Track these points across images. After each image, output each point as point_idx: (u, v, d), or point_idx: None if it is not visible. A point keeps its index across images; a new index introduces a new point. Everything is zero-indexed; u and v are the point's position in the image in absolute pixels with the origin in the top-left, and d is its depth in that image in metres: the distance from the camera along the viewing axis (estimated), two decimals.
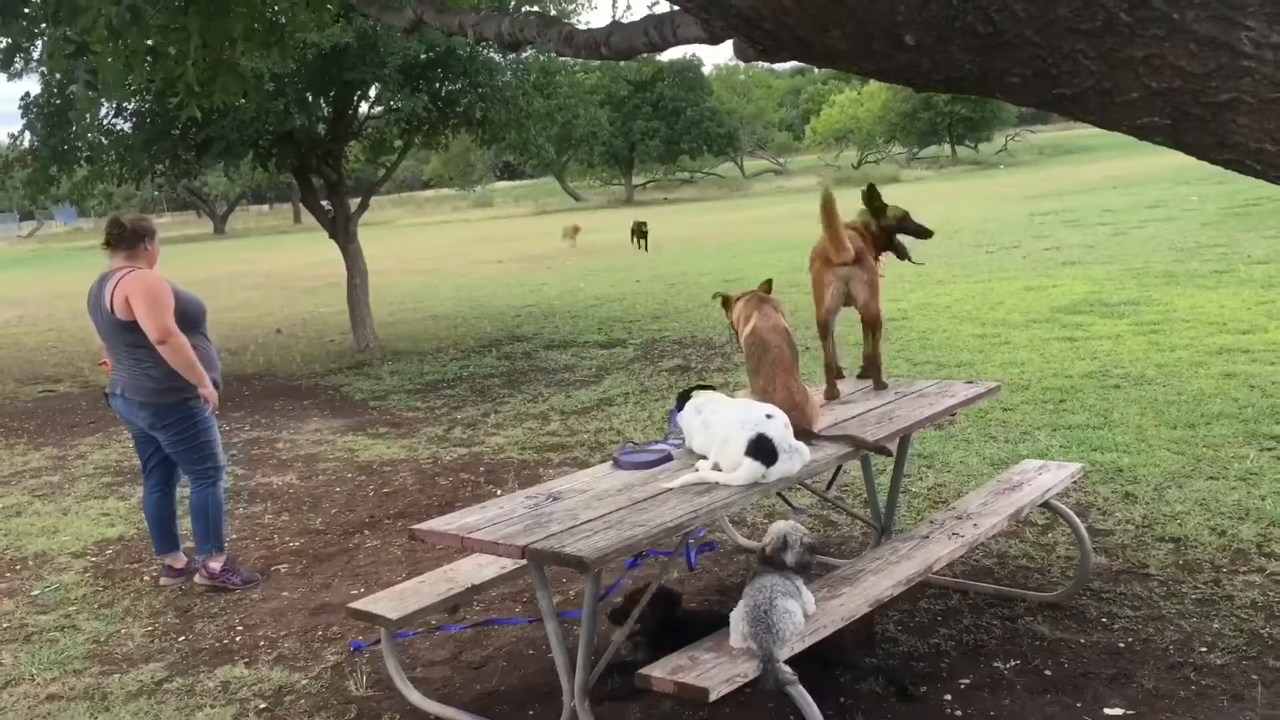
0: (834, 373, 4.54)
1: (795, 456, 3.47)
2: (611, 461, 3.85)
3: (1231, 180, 16.55)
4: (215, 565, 5.40)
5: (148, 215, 5.57)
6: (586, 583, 3.28)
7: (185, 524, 5.70)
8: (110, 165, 11.34)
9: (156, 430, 5.28)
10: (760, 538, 3.53)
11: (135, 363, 5.17)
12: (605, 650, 3.52)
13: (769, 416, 3.47)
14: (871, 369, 4.61)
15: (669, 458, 3.76)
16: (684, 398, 3.88)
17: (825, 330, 4.43)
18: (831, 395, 4.46)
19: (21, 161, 11.36)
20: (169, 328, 5.06)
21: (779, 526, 3.44)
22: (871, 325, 4.47)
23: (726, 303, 4.38)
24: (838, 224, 4.23)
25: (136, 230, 5.29)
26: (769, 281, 4.20)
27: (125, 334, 5.14)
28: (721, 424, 3.54)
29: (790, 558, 3.35)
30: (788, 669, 3.06)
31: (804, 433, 3.69)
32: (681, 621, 3.76)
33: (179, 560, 5.55)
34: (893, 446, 4.36)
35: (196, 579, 5.43)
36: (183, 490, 5.67)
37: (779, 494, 4.54)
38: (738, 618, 3.20)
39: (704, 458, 3.60)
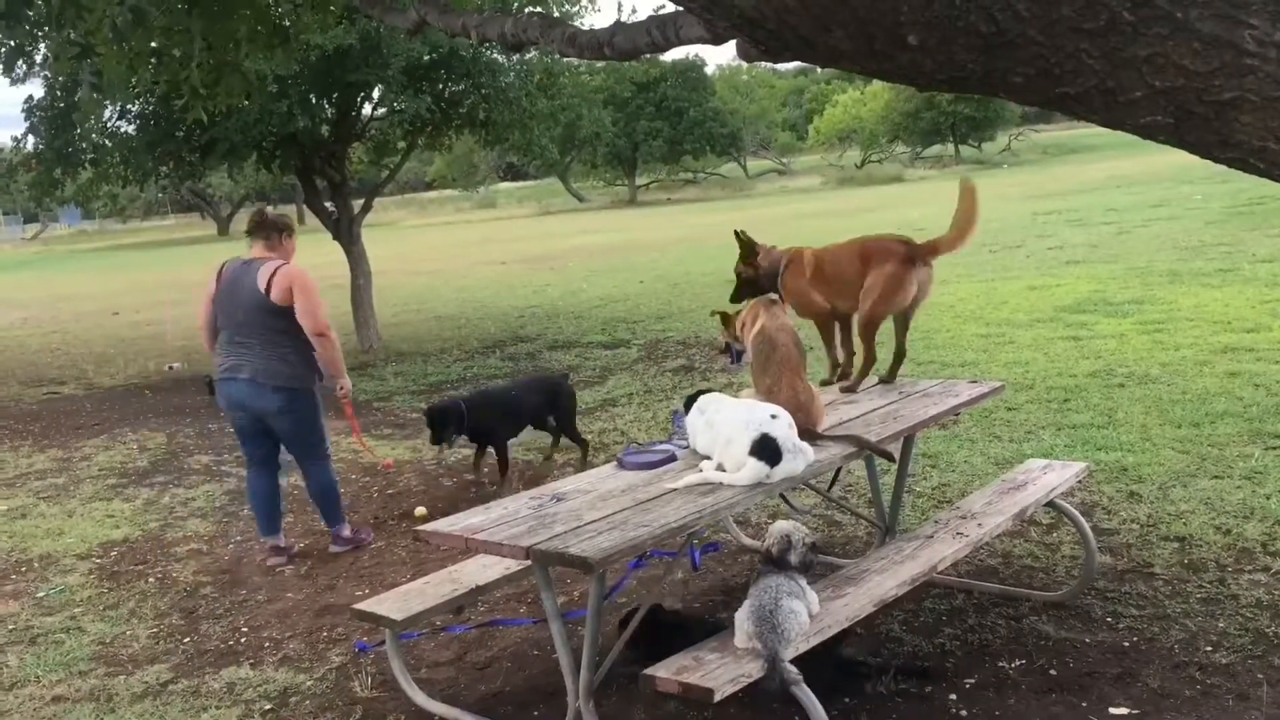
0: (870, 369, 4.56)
1: (799, 457, 3.47)
2: (615, 462, 3.86)
3: (1235, 179, 16.54)
4: (347, 532, 5.83)
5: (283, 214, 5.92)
6: (591, 583, 3.28)
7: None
8: (115, 167, 11.36)
9: (282, 414, 5.47)
10: (764, 538, 3.52)
11: (274, 347, 5.39)
12: (610, 650, 3.53)
13: (773, 417, 3.47)
14: (899, 364, 4.64)
15: (673, 458, 3.77)
16: (691, 401, 3.87)
17: (877, 328, 4.43)
18: (853, 390, 4.49)
19: (26, 165, 11.38)
20: (328, 323, 5.43)
21: (781, 526, 3.44)
22: (908, 323, 4.51)
23: (726, 320, 4.40)
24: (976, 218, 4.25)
25: (275, 223, 5.56)
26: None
27: (275, 319, 5.36)
28: (725, 424, 3.54)
29: (794, 557, 3.35)
30: (793, 668, 3.06)
31: (808, 433, 3.69)
32: (675, 631, 3.78)
33: (283, 540, 5.79)
34: (897, 446, 4.36)
35: (333, 548, 5.78)
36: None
37: (781, 495, 4.55)
38: (742, 618, 3.19)
39: (708, 458, 3.60)
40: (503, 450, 6.69)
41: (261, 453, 5.68)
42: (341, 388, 5.71)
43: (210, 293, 5.59)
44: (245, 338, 5.43)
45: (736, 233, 4.59)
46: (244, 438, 5.73)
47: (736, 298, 4.63)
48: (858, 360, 4.62)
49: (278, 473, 5.79)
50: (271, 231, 5.54)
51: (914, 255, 4.32)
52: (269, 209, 5.78)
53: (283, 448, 5.71)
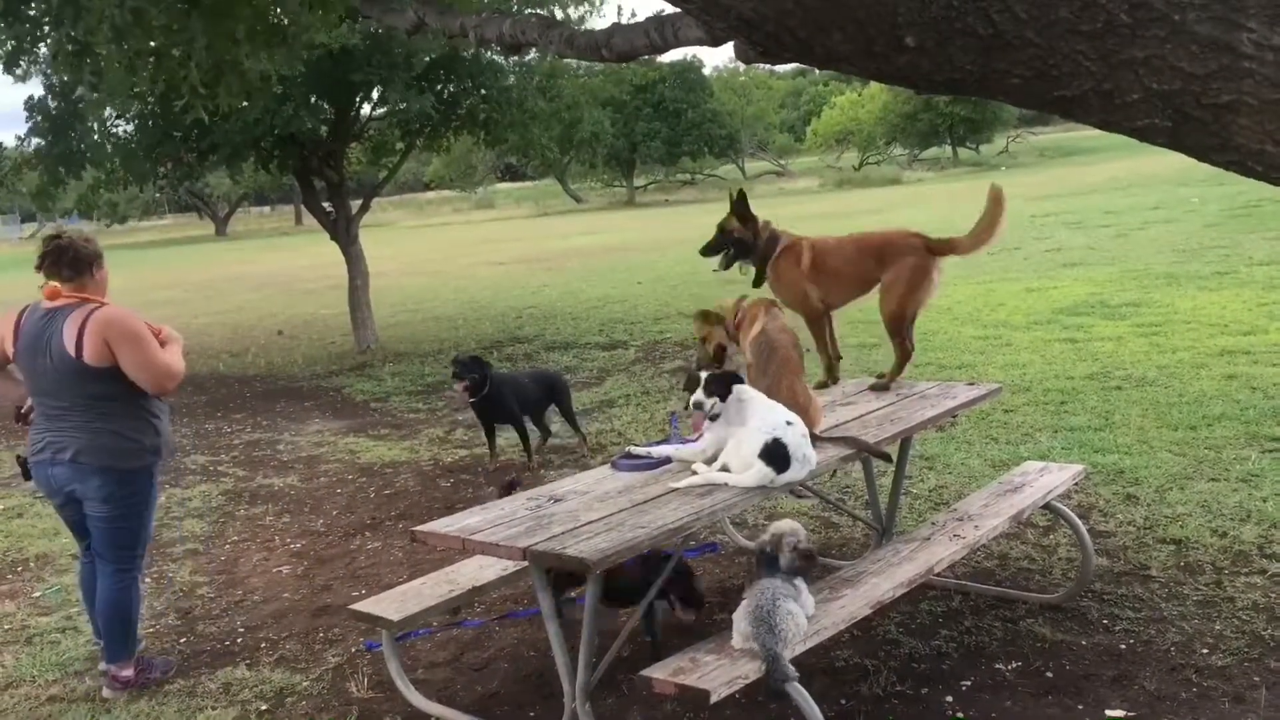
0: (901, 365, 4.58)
1: (805, 466, 3.48)
2: (610, 465, 3.85)
3: (1233, 182, 16.54)
4: (128, 672, 4.35)
5: (84, 232, 4.48)
6: (589, 584, 3.28)
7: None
8: (114, 170, 11.35)
9: (103, 501, 4.20)
10: (758, 536, 3.50)
11: (100, 419, 4.14)
12: (607, 651, 3.53)
13: (789, 423, 3.48)
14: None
15: (668, 460, 3.75)
16: (710, 380, 3.77)
17: (905, 322, 4.43)
18: (885, 388, 4.54)
19: (28, 164, 11.37)
20: (174, 368, 4.20)
21: (779, 526, 3.42)
22: (913, 321, 4.53)
23: (707, 317, 4.29)
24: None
25: (78, 253, 4.22)
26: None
27: (94, 384, 4.10)
28: (744, 421, 3.53)
29: (783, 560, 3.32)
30: (791, 668, 3.06)
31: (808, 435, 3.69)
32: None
33: (129, 670, 4.36)
34: (894, 448, 4.36)
35: (105, 690, 4.31)
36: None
37: (791, 494, 4.55)
38: (739, 619, 3.19)
39: (710, 460, 3.59)
40: (521, 427, 7.14)
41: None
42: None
43: (5, 350, 4.27)
44: (62, 409, 4.16)
45: (739, 191, 4.53)
46: (76, 529, 4.41)
47: (709, 252, 4.54)
48: (840, 361, 4.65)
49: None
50: (81, 266, 4.20)
51: (934, 250, 4.33)
52: (68, 230, 4.38)
53: None
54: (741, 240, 4.49)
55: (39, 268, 4.25)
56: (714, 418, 3.59)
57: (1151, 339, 8.91)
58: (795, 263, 4.42)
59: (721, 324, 4.22)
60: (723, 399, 3.57)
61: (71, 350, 4.06)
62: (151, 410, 4.27)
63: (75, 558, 6.01)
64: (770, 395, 3.78)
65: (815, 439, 3.75)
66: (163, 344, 4.26)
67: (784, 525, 3.43)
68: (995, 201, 4.25)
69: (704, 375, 3.60)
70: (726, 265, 4.56)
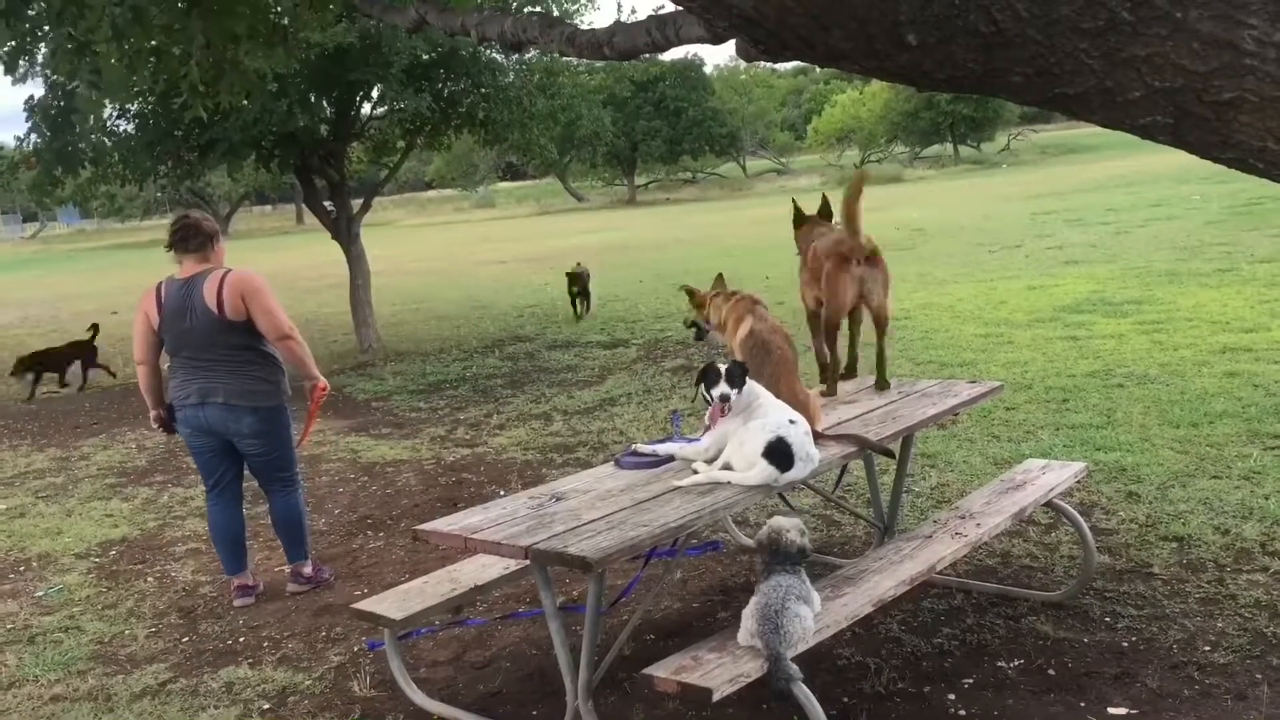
0: (836, 372, 4.54)
1: (808, 464, 3.48)
2: (613, 462, 3.85)
3: (1234, 179, 16.52)
4: (309, 569, 5.30)
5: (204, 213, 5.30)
6: (590, 583, 3.28)
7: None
8: (114, 167, 11.35)
9: (257, 437, 5.02)
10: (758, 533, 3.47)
11: (242, 365, 4.94)
12: (609, 649, 3.53)
13: (792, 422, 3.47)
14: (881, 368, 4.62)
15: (671, 459, 3.75)
16: (713, 373, 3.76)
17: (836, 329, 4.43)
18: (831, 394, 4.47)
19: (26, 163, 11.37)
20: (291, 324, 4.98)
21: (776, 522, 3.35)
22: (882, 325, 4.47)
23: (693, 296, 4.35)
24: (858, 218, 4.25)
25: (205, 230, 5.03)
26: (720, 276, 4.26)
27: (235, 335, 4.89)
28: (749, 419, 3.52)
29: (784, 548, 3.28)
30: (794, 666, 3.06)
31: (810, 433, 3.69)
32: None
33: (250, 579, 5.29)
34: (896, 446, 4.36)
35: (290, 586, 5.27)
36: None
37: (780, 495, 4.54)
38: (748, 615, 3.18)
39: (712, 459, 3.59)
40: None
41: (229, 479, 5.18)
42: (316, 386, 5.15)
43: (152, 322, 5.01)
44: (208, 360, 4.93)
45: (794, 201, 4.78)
46: (208, 466, 5.17)
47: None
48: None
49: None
50: (205, 241, 5.00)
51: (850, 254, 4.31)
52: (193, 212, 5.22)
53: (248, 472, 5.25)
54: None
55: (169, 247, 5.04)
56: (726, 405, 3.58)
57: (1153, 336, 8.90)
58: (804, 263, 4.50)
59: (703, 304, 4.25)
60: (740, 390, 3.55)
61: (214, 308, 4.83)
62: (276, 356, 5.03)
63: (79, 557, 6.03)
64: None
65: (820, 436, 3.75)
66: None
67: (783, 521, 3.39)
68: (849, 202, 4.28)
69: (724, 367, 3.57)
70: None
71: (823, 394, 4.45)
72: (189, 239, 4.99)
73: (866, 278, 4.33)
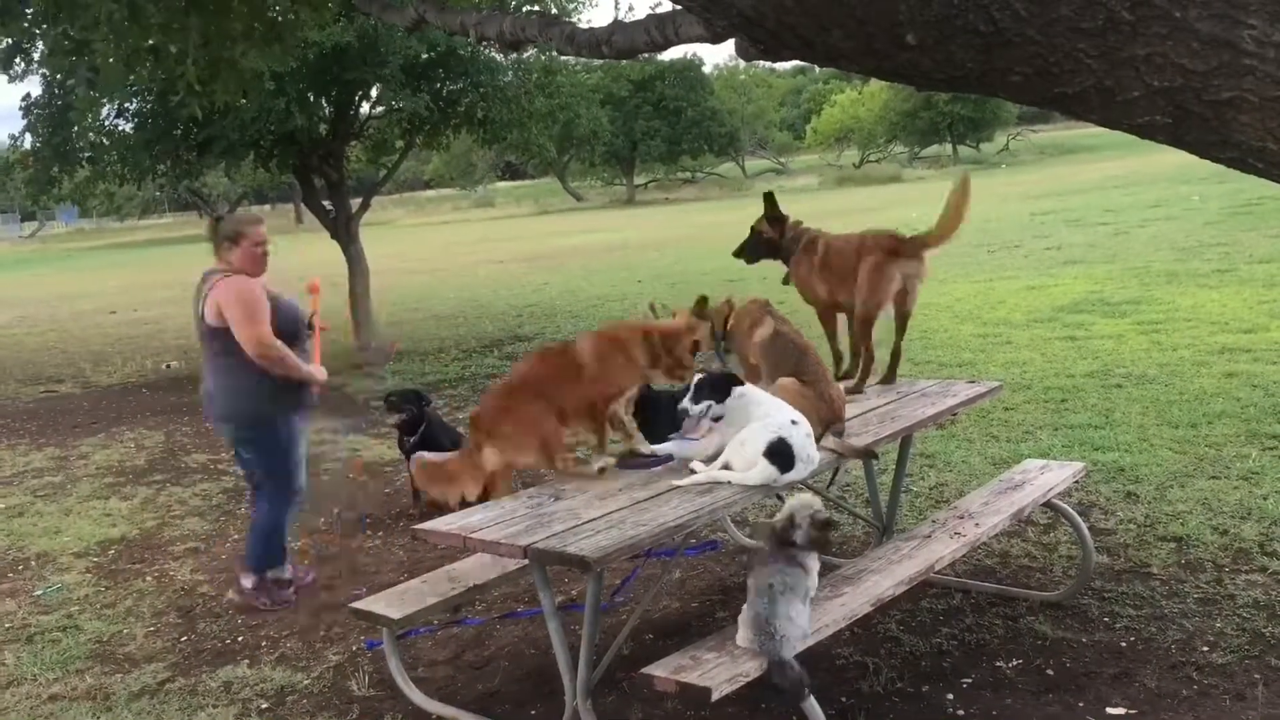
0: (869, 369, 4.54)
1: (808, 465, 3.48)
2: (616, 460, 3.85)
3: (1233, 179, 16.51)
4: (248, 583, 5.10)
5: (244, 215, 5.26)
6: (589, 582, 3.28)
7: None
8: (112, 165, 11.35)
9: (242, 444, 5.05)
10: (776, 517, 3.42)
11: (223, 375, 4.89)
12: (608, 648, 3.52)
13: (794, 422, 3.47)
14: (895, 363, 4.64)
15: (670, 458, 3.75)
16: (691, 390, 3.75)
17: (872, 324, 4.43)
18: (858, 391, 4.47)
19: (23, 163, 11.37)
20: (267, 339, 4.73)
21: (794, 502, 3.29)
22: (905, 321, 4.52)
23: (703, 309, 4.18)
24: (960, 218, 4.26)
25: (221, 231, 4.96)
26: (703, 298, 4.08)
27: (216, 341, 4.85)
28: (749, 420, 3.51)
29: (798, 536, 3.22)
30: (797, 666, 3.05)
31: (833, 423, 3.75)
32: None
33: (288, 571, 5.19)
34: (895, 446, 4.35)
35: (229, 593, 5.16)
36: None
37: (778, 495, 4.54)
38: (743, 623, 3.16)
39: (712, 459, 3.58)
40: None
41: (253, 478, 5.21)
42: (316, 386, 5.06)
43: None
44: (206, 363, 5.02)
45: (768, 193, 4.71)
46: (238, 462, 5.30)
47: (743, 254, 4.70)
48: (849, 358, 4.62)
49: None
50: (219, 242, 4.95)
51: (899, 248, 4.32)
52: (234, 212, 5.35)
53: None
54: (770, 240, 4.65)
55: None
56: (716, 419, 3.56)
57: (1152, 337, 8.90)
58: (810, 258, 4.50)
59: (708, 321, 4.12)
60: (718, 402, 3.53)
61: (202, 312, 4.82)
62: (263, 368, 4.80)
63: (77, 556, 6.03)
64: (822, 397, 3.75)
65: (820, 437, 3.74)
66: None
67: (800, 500, 3.30)
68: (960, 189, 4.27)
69: (694, 380, 3.57)
70: (752, 260, 4.72)
71: (849, 391, 4.46)
72: (212, 237, 5.01)
73: (911, 274, 4.37)
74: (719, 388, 3.54)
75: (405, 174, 54.44)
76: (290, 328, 4.95)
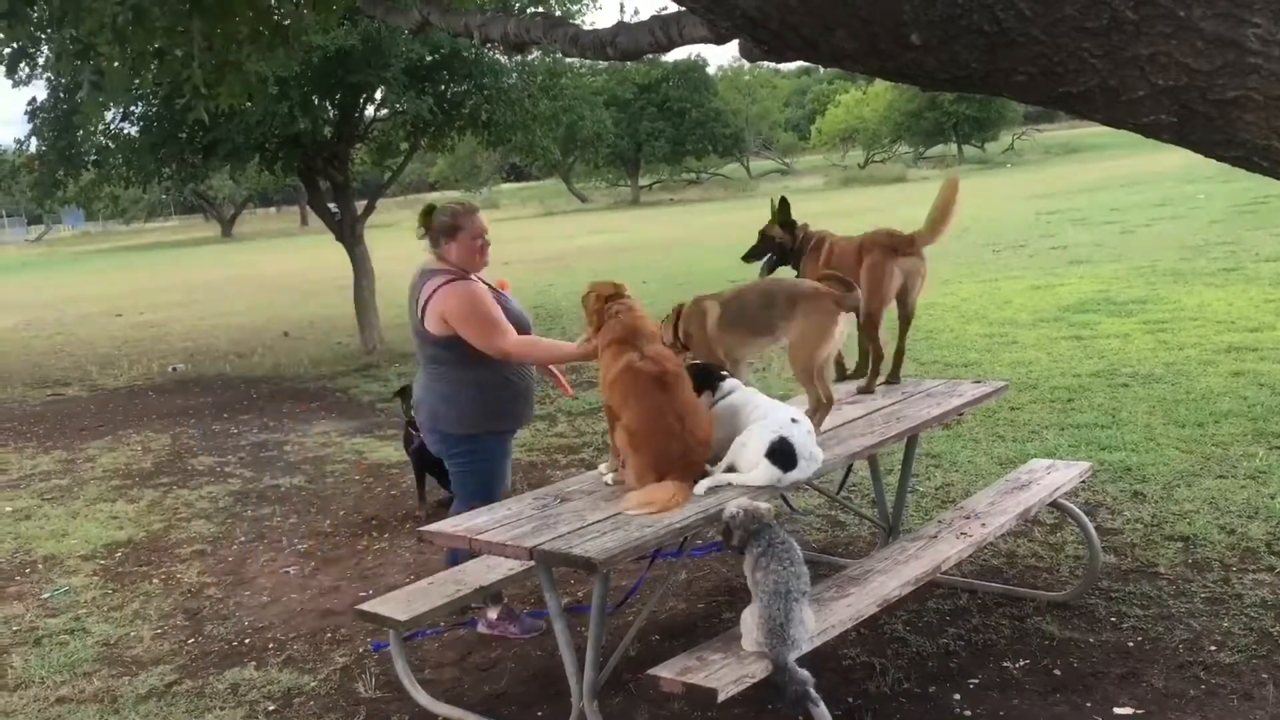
0: (878, 368, 4.55)
1: (812, 464, 3.47)
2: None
3: (1239, 178, 16.49)
4: (493, 613, 4.59)
5: (458, 204, 4.81)
6: (595, 584, 3.28)
7: None
8: (117, 169, 11.38)
9: (450, 459, 4.53)
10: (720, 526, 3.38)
11: (435, 382, 4.46)
12: (614, 650, 3.53)
13: (794, 421, 3.46)
14: (898, 364, 4.64)
15: None
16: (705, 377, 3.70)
17: (879, 322, 4.44)
18: (869, 391, 4.48)
19: (29, 166, 11.40)
20: (507, 343, 4.32)
21: (735, 506, 3.22)
22: (909, 320, 4.55)
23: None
24: (949, 217, 4.30)
25: (435, 223, 4.57)
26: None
27: (434, 349, 4.41)
28: (747, 421, 3.52)
29: (736, 539, 3.20)
30: (803, 671, 3.05)
31: None
32: None
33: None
34: (900, 446, 4.35)
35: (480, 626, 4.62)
36: None
37: (781, 496, 4.54)
38: (751, 624, 3.13)
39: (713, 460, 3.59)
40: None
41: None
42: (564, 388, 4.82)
43: None
44: (419, 365, 4.61)
45: (781, 198, 4.73)
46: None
47: (752, 257, 4.74)
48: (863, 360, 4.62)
49: None
50: (435, 236, 4.53)
51: (897, 245, 4.35)
52: (442, 203, 4.74)
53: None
54: (782, 245, 4.68)
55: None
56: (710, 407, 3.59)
57: (1158, 336, 8.89)
58: (815, 259, 4.53)
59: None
60: (711, 391, 3.57)
61: (419, 314, 4.40)
62: (475, 381, 4.39)
63: (85, 559, 6.05)
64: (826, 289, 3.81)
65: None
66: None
67: (738, 503, 3.25)
68: (949, 190, 4.30)
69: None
70: (769, 270, 4.70)
71: (860, 390, 4.49)
72: (425, 229, 4.60)
73: (912, 271, 4.40)
74: (702, 378, 3.59)
75: (410, 176, 54.45)
76: (524, 330, 4.54)
